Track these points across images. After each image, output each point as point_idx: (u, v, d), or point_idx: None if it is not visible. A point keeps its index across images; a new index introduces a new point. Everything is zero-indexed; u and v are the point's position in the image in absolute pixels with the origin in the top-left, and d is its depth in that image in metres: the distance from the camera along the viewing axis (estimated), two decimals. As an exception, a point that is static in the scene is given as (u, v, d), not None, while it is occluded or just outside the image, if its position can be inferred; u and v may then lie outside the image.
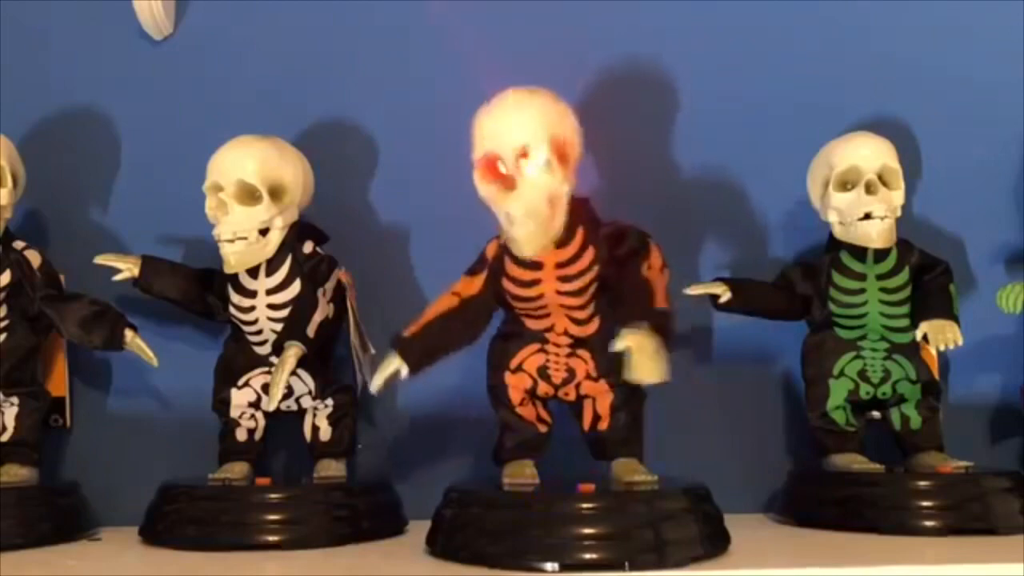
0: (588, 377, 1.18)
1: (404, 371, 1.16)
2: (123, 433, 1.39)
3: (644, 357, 1.06)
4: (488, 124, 1.13)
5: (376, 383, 1.17)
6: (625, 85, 1.40)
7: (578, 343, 1.18)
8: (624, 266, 1.14)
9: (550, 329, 1.18)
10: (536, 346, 1.19)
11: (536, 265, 1.15)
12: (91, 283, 1.32)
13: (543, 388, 1.20)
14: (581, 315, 1.17)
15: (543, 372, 1.19)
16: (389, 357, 1.16)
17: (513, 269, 1.16)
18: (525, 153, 1.11)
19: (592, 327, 1.17)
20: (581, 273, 1.14)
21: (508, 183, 1.11)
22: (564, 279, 1.14)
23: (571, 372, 1.19)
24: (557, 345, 1.18)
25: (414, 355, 1.16)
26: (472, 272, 1.19)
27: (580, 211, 1.15)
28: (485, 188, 1.13)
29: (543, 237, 1.12)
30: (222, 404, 1.30)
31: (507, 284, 1.17)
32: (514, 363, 1.19)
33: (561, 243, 1.14)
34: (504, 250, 1.17)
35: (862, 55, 1.42)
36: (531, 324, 1.18)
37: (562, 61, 1.37)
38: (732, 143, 1.41)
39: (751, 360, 1.41)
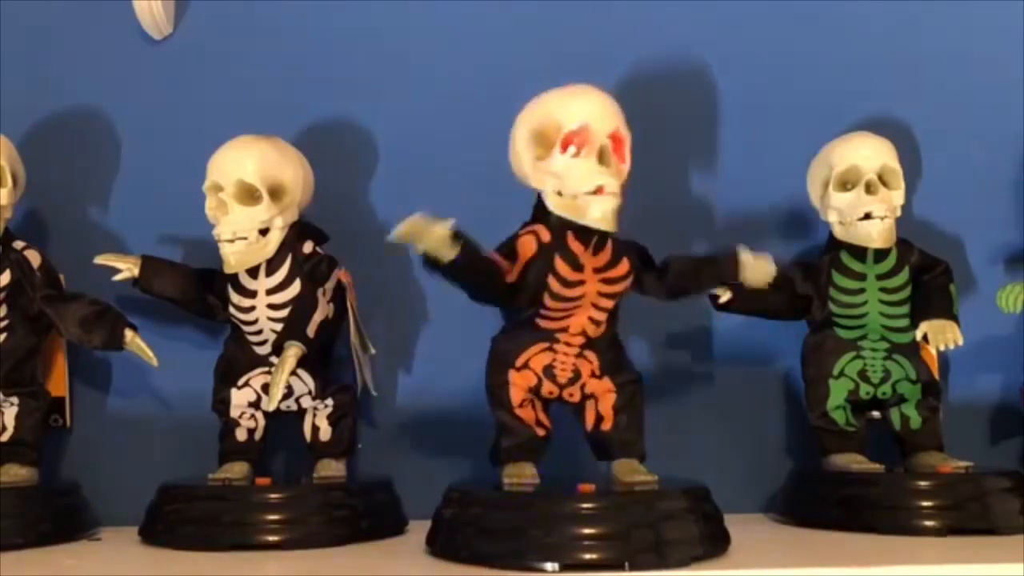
0: (592, 375, 1.18)
1: (450, 249, 1.06)
2: (123, 433, 1.39)
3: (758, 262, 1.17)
4: (579, 101, 1.14)
5: (420, 226, 1.04)
6: (623, 87, 1.40)
7: (588, 344, 1.18)
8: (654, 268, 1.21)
9: (564, 330, 1.18)
10: (544, 345, 1.18)
11: (582, 266, 1.15)
12: (91, 283, 1.32)
13: (547, 388, 1.19)
14: (603, 316, 1.17)
15: (549, 371, 1.19)
16: (440, 225, 1.05)
17: (563, 267, 1.15)
18: (619, 142, 1.15)
19: (604, 327, 1.18)
20: (620, 279, 1.16)
21: (606, 157, 1.13)
22: (606, 281, 1.16)
23: (577, 372, 1.19)
24: (568, 345, 1.18)
25: (468, 243, 1.08)
26: (507, 257, 1.16)
27: None
28: (567, 160, 1.13)
29: (616, 220, 1.14)
30: (222, 404, 1.30)
31: (553, 281, 1.15)
32: (520, 361, 1.19)
33: (597, 248, 1.15)
34: (555, 248, 1.15)
35: (862, 55, 1.42)
36: (544, 324, 1.18)
37: (561, 62, 1.37)
38: (732, 143, 1.41)
39: (751, 360, 1.41)
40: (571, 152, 1.13)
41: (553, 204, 1.15)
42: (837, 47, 1.42)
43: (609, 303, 1.17)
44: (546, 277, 1.15)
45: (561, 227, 1.15)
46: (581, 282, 1.15)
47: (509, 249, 1.16)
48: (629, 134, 1.16)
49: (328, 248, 1.31)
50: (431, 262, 1.07)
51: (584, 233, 1.14)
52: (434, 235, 1.05)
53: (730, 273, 1.19)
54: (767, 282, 1.19)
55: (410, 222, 1.04)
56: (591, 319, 1.17)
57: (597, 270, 1.15)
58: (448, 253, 1.05)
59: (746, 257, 1.18)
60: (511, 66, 1.39)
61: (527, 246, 1.16)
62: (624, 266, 1.16)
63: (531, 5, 1.42)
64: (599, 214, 1.13)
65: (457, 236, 1.06)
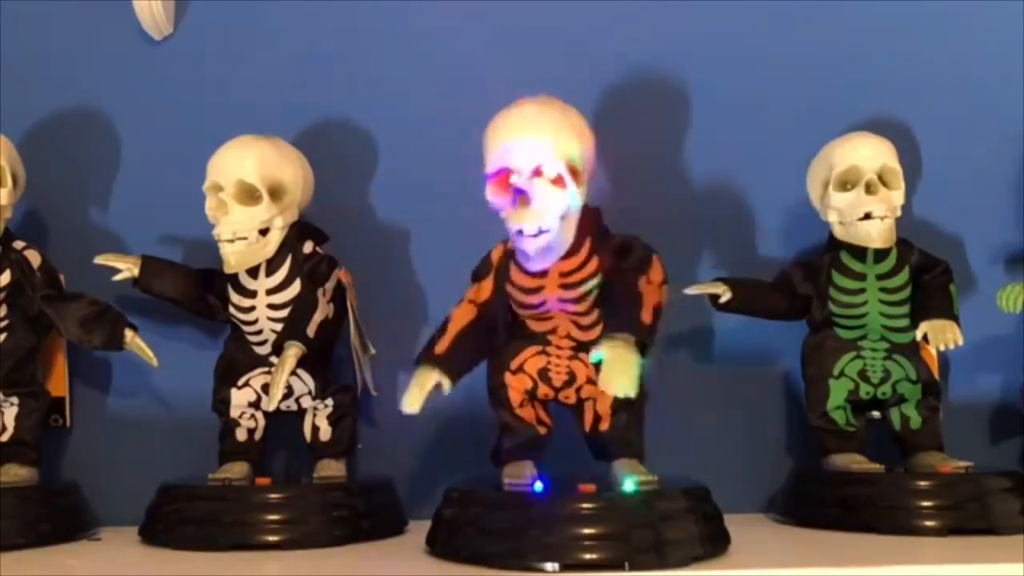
0: (589, 381, 1.18)
1: (447, 384, 1.16)
2: (123, 433, 1.39)
3: (617, 370, 1.05)
4: (502, 138, 1.12)
5: (414, 401, 1.14)
6: (624, 87, 1.41)
7: (580, 347, 1.18)
8: (624, 276, 1.13)
9: (553, 332, 1.18)
10: (538, 348, 1.19)
11: (541, 273, 1.15)
12: (91, 283, 1.32)
13: (543, 390, 1.19)
14: (585, 321, 1.17)
15: (544, 374, 1.19)
16: (425, 372, 1.15)
17: (518, 276, 1.16)
18: (540, 171, 1.11)
19: (595, 332, 1.17)
20: (583, 281, 1.15)
21: (524, 200, 1.11)
22: (567, 287, 1.14)
23: (572, 375, 1.18)
24: (560, 347, 1.18)
25: (453, 369, 1.16)
26: (478, 277, 1.20)
27: (589, 221, 1.16)
28: (498, 203, 1.13)
29: (556, 247, 1.13)
30: (222, 404, 1.30)
31: (511, 290, 1.17)
32: (515, 364, 1.19)
33: (568, 253, 1.14)
34: (510, 256, 1.17)
35: (862, 55, 1.42)
36: (535, 326, 1.18)
37: (560, 64, 1.38)
38: (732, 143, 1.41)
39: (751, 360, 1.41)
40: (489, 192, 1.13)
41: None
42: (837, 47, 1.42)
43: (579, 307, 1.16)
44: (504, 284, 1.17)
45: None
46: (539, 288, 1.15)
47: (486, 259, 1.19)
48: (571, 148, 1.12)
49: (328, 248, 1.31)
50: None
51: None
52: (430, 390, 1.15)
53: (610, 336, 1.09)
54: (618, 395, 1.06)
55: (420, 396, 1.15)
56: (574, 323, 1.17)
57: (563, 274, 1.15)
58: (448, 383, 1.17)
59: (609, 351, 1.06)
60: (512, 66, 1.39)
61: (495, 253, 1.19)
62: (591, 267, 1.15)
63: (532, 6, 1.42)
64: (529, 253, 1.13)
65: (445, 374, 1.16)
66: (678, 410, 1.36)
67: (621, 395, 1.05)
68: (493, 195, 1.13)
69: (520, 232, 1.12)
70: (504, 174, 1.12)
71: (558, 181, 1.11)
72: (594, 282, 1.15)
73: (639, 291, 1.11)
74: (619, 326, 1.08)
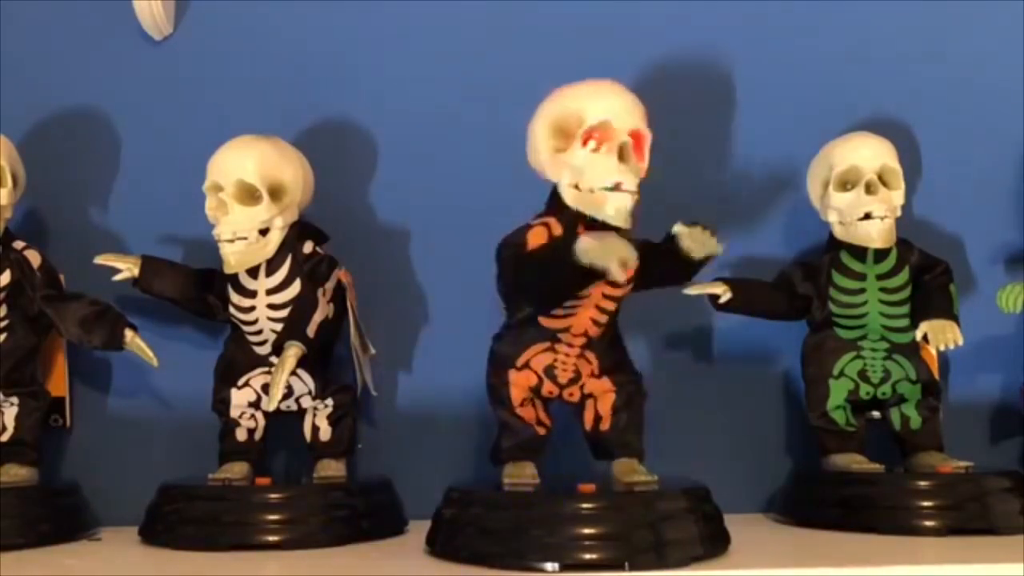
0: (592, 375, 1.18)
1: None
2: (123, 433, 1.39)
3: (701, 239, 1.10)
4: (601, 97, 1.14)
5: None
6: (624, 85, 1.40)
7: (589, 344, 1.18)
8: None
9: (566, 330, 1.17)
10: (545, 345, 1.18)
11: None
12: (91, 283, 1.32)
13: (548, 387, 1.19)
14: (605, 319, 1.17)
15: (550, 371, 1.18)
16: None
17: None
18: (640, 141, 1.13)
19: (606, 328, 1.17)
20: (626, 281, 1.14)
21: (626, 154, 1.12)
22: (614, 284, 1.14)
23: (578, 372, 1.18)
24: (569, 345, 1.18)
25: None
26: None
27: None
28: (587, 154, 1.12)
29: (632, 218, 1.13)
30: (222, 404, 1.30)
31: None
32: (521, 360, 1.19)
33: None
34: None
35: (862, 55, 1.42)
36: (547, 323, 1.17)
37: (561, 62, 1.37)
38: (732, 143, 1.41)
39: (751, 360, 1.41)
40: (591, 147, 1.13)
41: (569, 197, 1.14)
42: (838, 47, 1.42)
43: (611, 304, 1.17)
44: None
45: (575, 221, 1.14)
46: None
47: (520, 237, 1.15)
48: (650, 134, 1.15)
49: (328, 248, 1.31)
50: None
51: (597, 229, 1.13)
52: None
53: (673, 250, 1.13)
54: (708, 253, 1.12)
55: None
56: (592, 320, 1.17)
57: None
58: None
59: (679, 228, 1.12)
60: (512, 66, 1.39)
61: (538, 237, 1.15)
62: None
63: (533, 4, 1.42)
64: (613, 211, 1.12)
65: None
66: (678, 410, 1.36)
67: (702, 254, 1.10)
68: (598, 148, 1.12)
69: (617, 186, 1.11)
70: (605, 128, 1.12)
71: (647, 155, 1.13)
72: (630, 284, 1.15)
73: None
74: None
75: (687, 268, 1.14)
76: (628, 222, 1.13)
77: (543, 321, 1.17)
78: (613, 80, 1.16)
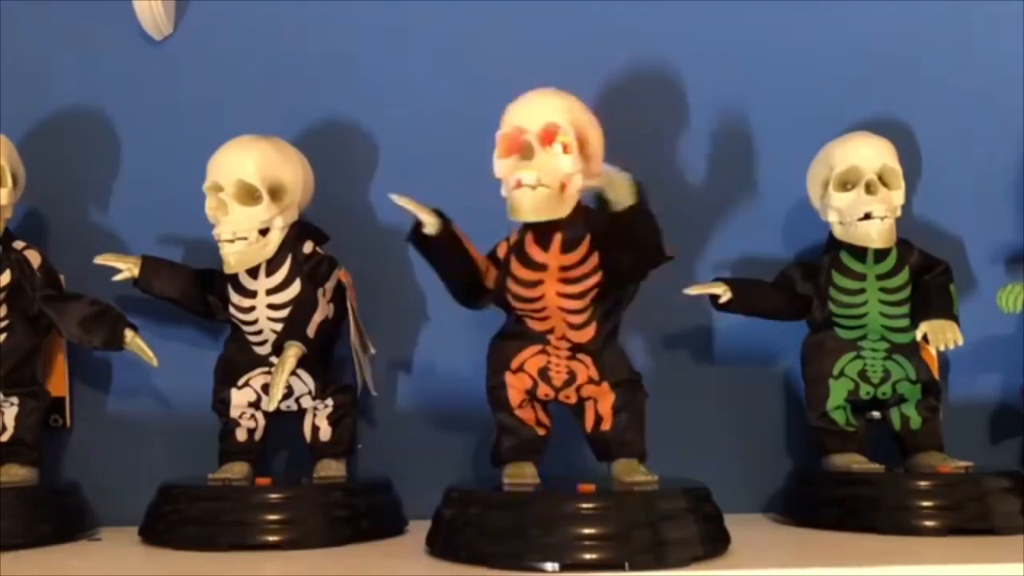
0: (590, 381, 1.18)
1: (433, 222, 1.15)
2: (123, 433, 1.39)
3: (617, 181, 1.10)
4: (519, 104, 1.14)
5: (409, 203, 1.14)
6: (624, 85, 1.40)
7: (576, 348, 1.18)
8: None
9: (551, 331, 1.18)
10: (538, 347, 1.19)
11: (541, 267, 1.15)
12: (91, 283, 1.32)
13: (543, 390, 1.19)
14: (577, 320, 1.16)
15: (544, 374, 1.19)
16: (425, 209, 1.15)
17: (518, 269, 1.16)
18: (550, 132, 1.12)
19: (588, 333, 1.17)
20: (583, 277, 1.14)
21: (527, 151, 1.11)
22: (567, 281, 1.14)
23: (572, 374, 1.19)
24: (558, 348, 1.18)
25: (446, 223, 1.16)
26: (490, 263, 1.20)
27: (590, 219, 1.15)
28: (502, 162, 1.13)
29: (548, 210, 1.12)
30: (222, 404, 1.30)
31: (511, 284, 1.17)
32: (515, 363, 1.19)
33: (568, 248, 1.14)
34: (512, 251, 1.17)
35: (862, 55, 1.42)
36: (534, 325, 1.18)
37: (561, 62, 1.37)
38: (732, 143, 1.41)
39: (751, 360, 1.41)
40: (496, 154, 1.14)
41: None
42: (837, 47, 1.42)
43: (576, 303, 1.16)
44: (505, 279, 1.17)
45: (522, 229, 1.16)
46: (539, 282, 1.15)
47: (493, 255, 1.20)
48: (568, 124, 1.13)
49: (328, 248, 1.31)
50: (417, 236, 1.15)
51: (541, 234, 1.15)
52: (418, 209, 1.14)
53: (610, 201, 1.12)
54: (626, 192, 1.10)
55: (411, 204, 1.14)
56: (566, 323, 1.17)
57: (563, 268, 1.15)
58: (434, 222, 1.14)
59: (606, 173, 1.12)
60: (512, 67, 1.38)
61: (500, 250, 1.19)
62: (591, 263, 1.15)
63: (532, 6, 1.42)
64: (521, 208, 1.12)
65: (442, 216, 1.15)
66: (678, 410, 1.36)
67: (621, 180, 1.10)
68: (500, 155, 1.13)
69: (519, 183, 1.11)
70: (514, 133, 1.13)
71: (566, 147, 1.12)
72: (594, 279, 1.15)
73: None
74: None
75: (624, 230, 1.13)
76: (539, 215, 1.12)
77: (531, 324, 1.18)
78: (556, 88, 1.16)
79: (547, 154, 1.11)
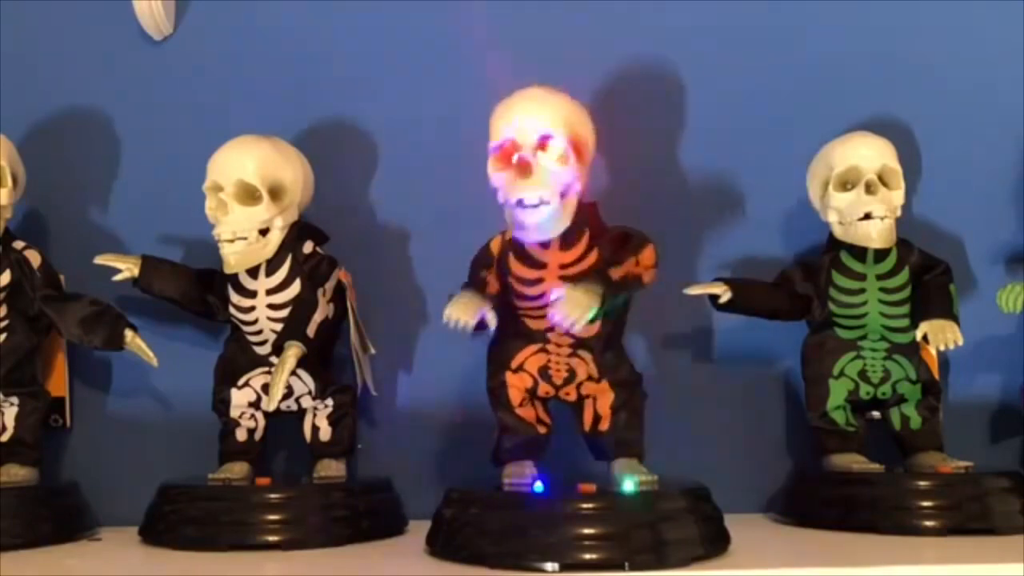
0: (590, 378, 1.18)
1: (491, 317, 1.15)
2: (123, 433, 1.39)
3: (572, 303, 1.08)
4: (508, 114, 1.14)
5: (460, 313, 1.13)
6: (625, 85, 1.40)
7: (578, 344, 1.18)
8: (615, 255, 1.14)
9: (551, 329, 1.18)
10: (537, 346, 1.19)
11: (540, 264, 1.15)
12: (91, 283, 1.32)
13: (544, 388, 1.20)
14: None
15: (544, 372, 1.19)
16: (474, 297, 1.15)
17: (517, 267, 1.16)
18: (544, 142, 1.12)
19: (593, 328, 1.17)
20: (583, 275, 1.14)
21: (524, 169, 1.11)
22: (566, 279, 1.14)
23: (572, 372, 1.19)
24: (559, 345, 1.18)
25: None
26: (480, 266, 1.20)
27: (587, 215, 1.16)
28: (499, 175, 1.13)
29: (553, 226, 1.13)
30: (222, 404, 1.30)
31: (512, 282, 1.17)
32: (515, 363, 1.19)
33: (566, 245, 1.14)
34: (508, 248, 1.17)
35: (862, 55, 1.42)
36: (533, 324, 1.18)
37: (562, 62, 1.37)
38: (732, 143, 1.41)
39: (751, 360, 1.41)
40: (491, 167, 1.14)
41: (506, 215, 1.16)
42: (838, 47, 1.42)
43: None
44: (507, 277, 1.17)
45: None
46: (539, 280, 1.15)
47: (486, 249, 1.19)
48: (562, 132, 1.13)
49: (328, 248, 1.31)
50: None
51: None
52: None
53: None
54: (587, 309, 1.10)
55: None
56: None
57: (562, 266, 1.15)
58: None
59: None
60: (512, 66, 1.38)
61: (494, 245, 1.19)
62: (590, 260, 1.15)
63: (532, 6, 1.42)
64: (526, 226, 1.13)
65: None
66: (678, 410, 1.36)
67: (567, 325, 1.09)
68: (494, 168, 1.13)
69: (520, 203, 1.12)
70: (508, 146, 1.12)
71: (563, 158, 1.12)
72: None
73: (623, 262, 1.13)
74: (590, 277, 1.12)
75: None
76: (545, 233, 1.13)
77: (530, 323, 1.18)
78: (542, 86, 1.15)
79: (544, 169, 1.12)
